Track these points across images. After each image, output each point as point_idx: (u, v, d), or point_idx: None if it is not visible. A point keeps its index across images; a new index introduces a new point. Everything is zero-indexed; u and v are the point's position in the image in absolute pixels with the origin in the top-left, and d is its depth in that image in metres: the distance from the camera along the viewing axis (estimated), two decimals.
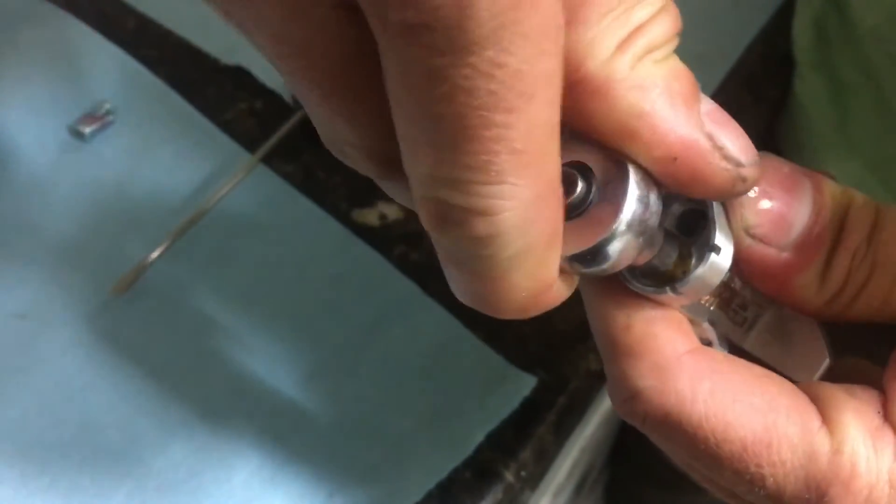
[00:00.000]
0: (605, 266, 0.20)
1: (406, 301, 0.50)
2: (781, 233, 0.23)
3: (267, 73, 0.59)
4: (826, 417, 0.22)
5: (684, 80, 0.20)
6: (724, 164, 0.20)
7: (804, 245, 0.23)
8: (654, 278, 0.22)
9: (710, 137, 0.20)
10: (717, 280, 0.22)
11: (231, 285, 0.51)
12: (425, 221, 0.18)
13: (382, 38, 0.16)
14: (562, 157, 0.20)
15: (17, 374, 0.48)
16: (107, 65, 0.59)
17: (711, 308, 0.24)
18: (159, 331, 0.49)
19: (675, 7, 0.20)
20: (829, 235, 0.23)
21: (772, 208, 0.23)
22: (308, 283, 0.51)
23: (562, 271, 0.20)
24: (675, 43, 0.20)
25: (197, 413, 0.47)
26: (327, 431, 0.47)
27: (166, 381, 0.48)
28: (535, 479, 0.48)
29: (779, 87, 0.62)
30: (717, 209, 0.22)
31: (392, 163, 0.19)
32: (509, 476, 0.45)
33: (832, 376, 0.24)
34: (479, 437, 0.46)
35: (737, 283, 0.24)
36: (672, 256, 0.22)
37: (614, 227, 0.20)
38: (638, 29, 0.19)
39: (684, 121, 0.20)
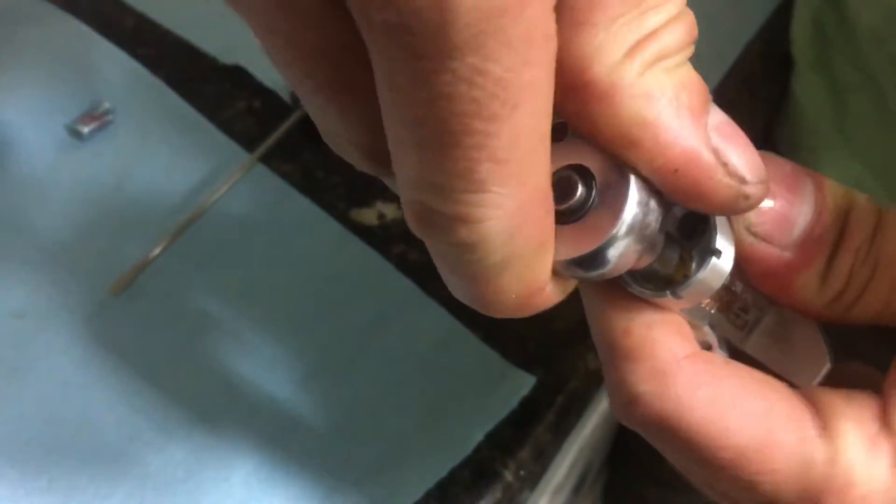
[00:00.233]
0: (604, 270, 0.20)
1: (405, 300, 0.50)
2: (783, 231, 0.22)
3: (265, 72, 0.59)
4: (824, 424, 0.22)
5: (694, 90, 0.19)
6: (727, 180, 0.20)
7: (806, 245, 0.23)
8: (655, 282, 0.22)
9: (716, 152, 0.19)
10: (718, 284, 0.22)
11: (229, 284, 0.51)
12: (411, 223, 0.18)
13: (368, 36, 0.16)
14: (562, 160, 0.20)
15: (15, 374, 0.47)
16: (105, 64, 0.59)
17: (712, 311, 0.24)
18: (158, 330, 0.49)
19: (692, 14, 0.19)
20: (831, 236, 0.23)
21: (774, 207, 0.22)
22: (306, 282, 0.51)
23: (559, 275, 0.20)
24: (689, 52, 0.19)
25: (195, 413, 0.47)
26: (326, 431, 0.47)
27: (164, 381, 0.47)
28: (534, 479, 0.48)
29: (777, 87, 0.62)
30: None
31: (385, 159, 0.18)
32: (508, 475, 0.45)
33: (832, 381, 0.24)
34: (479, 437, 0.46)
35: (738, 287, 0.24)
36: (673, 260, 0.22)
37: (614, 231, 0.20)
38: (650, 35, 0.18)
39: (689, 133, 0.19)
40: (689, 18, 0.19)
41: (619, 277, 0.22)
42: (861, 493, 0.21)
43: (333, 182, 0.55)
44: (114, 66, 0.59)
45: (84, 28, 0.60)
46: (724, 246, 0.22)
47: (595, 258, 0.20)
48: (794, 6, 0.60)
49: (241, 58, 0.59)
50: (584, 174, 0.20)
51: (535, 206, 0.18)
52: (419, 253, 0.52)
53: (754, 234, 0.22)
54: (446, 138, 0.16)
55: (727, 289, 0.24)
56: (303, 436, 0.46)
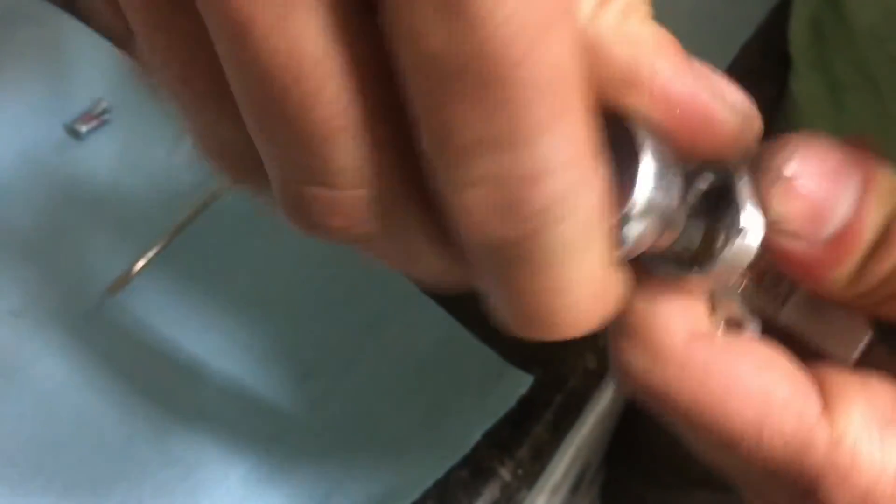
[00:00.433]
0: (623, 250, 0.19)
1: (403, 300, 0.50)
2: (814, 228, 0.21)
3: None
4: (829, 406, 0.21)
5: (669, 37, 0.19)
6: (729, 107, 0.19)
7: (840, 242, 0.21)
8: (679, 261, 0.21)
9: (709, 86, 0.19)
10: (745, 262, 0.21)
11: (226, 285, 0.51)
12: (472, 222, 0.17)
13: None
14: None
15: (12, 373, 0.47)
16: (104, 63, 0.59)
17: (741, 286, 0.23)
18: (155, 329, 0.49)
19: None
20: (869, 235, 0.21)
21: (808, 203, 0.21)
22: (304, 281, 0.51)
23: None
24: (649, 7, 0.19)
25: (193, 412, 0.47)
26: (324, 430, 0.47)
27: (162, 381, 0.47)
28: (532, 478, 0.48)
29: (775, 86, 0.62)
30: (744, 187, 0.21)
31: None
32: (506, 474, 0.45)
33: (865, 362, 0.23)
34: (477, 436, 0.46)
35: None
36: (697, 237, 0.21)
37: (629, 207, 0.19)
38: None
39: (683, 67, 0.19)
40: None
41: (641, 257, 0.21)
42: (867, 477, 0.20)
43: None
44: (112, 65, 0.59)
45: (83, 27, 0.60)
46: (752, 221, 0.20)
47: (612, 238, 0.19)
48: (792, 5, 0.60)
49: None
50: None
51: (591, 153, 0.17)
52: None
53: (781, 231, 0.21)
54: (490, 74, 0.15)
55: (758, 260, 0.22)
56: (301, 435, 0.46)
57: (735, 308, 0.23)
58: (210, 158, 0.19)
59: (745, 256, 0.21)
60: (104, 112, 0.57)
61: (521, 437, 0.46)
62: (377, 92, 0.17)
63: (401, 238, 0.19)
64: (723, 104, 0.19)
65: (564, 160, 0.16)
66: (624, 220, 0.19)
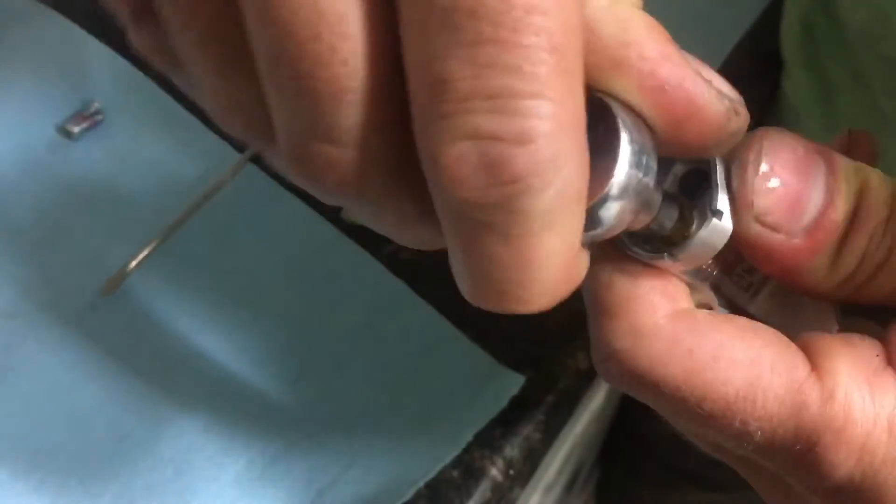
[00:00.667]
0: (599, 231, 0.19)
1: (395, 300, 0.50)
2: (793, 219, 0.22)
3: None
4: (817, 366, 0.21)
5: (659, 25, 0.19)
6: (715, 94, 0.19)
7: (816, 230, 0.22)
8: (654, 243, 0.22)
9: (697, 72, 0.19)
10: (718, 245, 0.21)
11: (220, 285, 0.51)
12: (450, 178, 0.17)
13: None
14: None
15: (4, 374, 0.47)
16: (96, 64, 0.59)
17: (714, 273, 0.23)
18: (147, 330, 0.49)
19: None
20: (843, 219, 0.22)
21: (785, 195, 0.21)
22: (297, 282, 0.51)
23: None
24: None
25: (185, 412, 0.47)
26: (316, 431, 0.47)
27: (154, 381, 0.47)
28: (523, 478, 0.48)
29: (767, 87, 0.62)
30: (719, 172, 0.21)
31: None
32: (497, 475, 0.46)
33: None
34: (468, 436, 0.46)
35: None
36: (672, 220, 0.21)
37: (606, 189, 0.19)
38: None
39: (672, 50, 0.19)
40: None
41: (617, 238, 0.21)
42: (861, 430, 0.20)
43: None
44: (105, 65, 0.59)
45: (75, 27, 0.60)
46: (725, 206, 0.21)
47: (589, 218, 0.19)
48: (783, 6, 0.60)
49: None
50: None
51: (580, 126, 0.17)
52: (410, 253, 0.52)
53: (763, 224, 0.21)
54: (503, 18, 0.16)
55: (730, 249, 0.23)
56: (293, 436, 0.46)
57: (707, 294, 0.23)
58: (220, 117, 0.20)
59: (719, 239, 0.21)
60: (96, 113, 0.57)
61: (512, 438, 0.46)
62: (386, 59, 0.17)
63: (391, 201, 0.20)
64: (709, 90, 0.19)
65: (555, 128, 0.16)
66: (602, 199, 0.19)
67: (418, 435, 0.46)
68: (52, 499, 0.44)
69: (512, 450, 0.46)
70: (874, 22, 0.51)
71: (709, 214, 0.21)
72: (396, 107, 0.18)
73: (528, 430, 0.47)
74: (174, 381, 0.48)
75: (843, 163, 0.22)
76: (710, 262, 0.23)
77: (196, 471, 0.45)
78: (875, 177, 0.22)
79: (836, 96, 0.57)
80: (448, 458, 0.45)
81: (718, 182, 0.21)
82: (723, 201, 0.21)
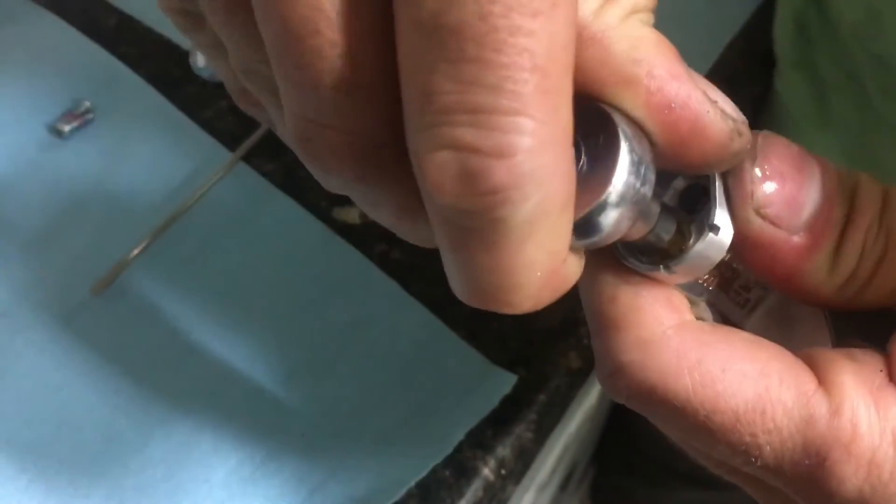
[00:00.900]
0: (596, 238, 0.19)
1: (387, 299, 0.50)
2: (793, 213, 0.22)
3: None
4: (823, 380, 0.21)
5: (670, 44, 0.20)
6: (720, 114, 0.20)
7: (816, 227, 0.22)
8: (651, 255, 0.22)
9: (704, 91, 0.20)
10: (715, 259, 0.21)
11: (211, 284, 0.51)
12: (431, 184, 0.17)
13: None
14: None
15: None
16: (87, 63, 0.59)
17: (710, 288, 0.24)
18: (138, 330, 0.49)
19: None
20: (841, 216, 0.22)
21: (784, 187, 0.22)
22: (288, 281, 0.51)
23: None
24: (652, 13, 0.20)
25: (175, 412, 0.46)
26: (307, 430, 0.46)
27: (145, 381, 0.47)
28: (515, 477, 0.48)
29: (760, 85, 0.62)
30: (719, 187, 0.22)
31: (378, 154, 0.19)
32: (489, 474, 0.45)
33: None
34: (460, 436, 0.46)
35: (740, 263, 0.24)
36: (669, 233, 0.22)
37: (604, 197, 0.19)
38: None
39: (679, 70, 0.19)
40: None
41: (614, 249, 0.21)
42: (868, 445, 0.20)
43: (315, 181, 0.54)
44: (95, 64, 0.59)
45: (66, 27, 0.60)
46: (723, 221, 0.21)
47: (587, 224, 0.19)
48: (776, 5, 0.60)
49: None
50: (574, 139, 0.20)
51: (565, 142, 0.17)
52: (401, 252, 0.52)
53: (764, 217, 0.22)
54: (486, 39, 0.16)
55: (727, 265, 0.23)
56: (284, 435, 0.46)
57: (703, 310, 0.23)
58: (240, 82, 0.21)
59: (716, 253, 0.21)
60: (87, 112, 0.57)
61: (504, 437, 0.46)
62: (385, 54, 0.18)
63: (390, 187, 0.20)
64: (714, 110, 0.20)
65: (535, 144, 0.17)
66: (599, 206, 0.19)
67: (410, 434, 0.46)
68: (42, 498, 0.44)
69: (504, 449, 0.46)
70: (867, 21, 0.51)
71: (706, 228, 0.21)
72: (395, 98, 0.18)
73: (520, 430, 0.46)
74: (165, 381, 0.48)
75: (832, 164, 0.23)
76: (707, 277, 0.23)
77: (186, 471, 0.45)
78: (864, 176, 0.23)
79: (829, 95, 0.57)
80: (440, 458, 0.45)
81: (717, 197, 0.21)
82: (721, 216, 0.21)
